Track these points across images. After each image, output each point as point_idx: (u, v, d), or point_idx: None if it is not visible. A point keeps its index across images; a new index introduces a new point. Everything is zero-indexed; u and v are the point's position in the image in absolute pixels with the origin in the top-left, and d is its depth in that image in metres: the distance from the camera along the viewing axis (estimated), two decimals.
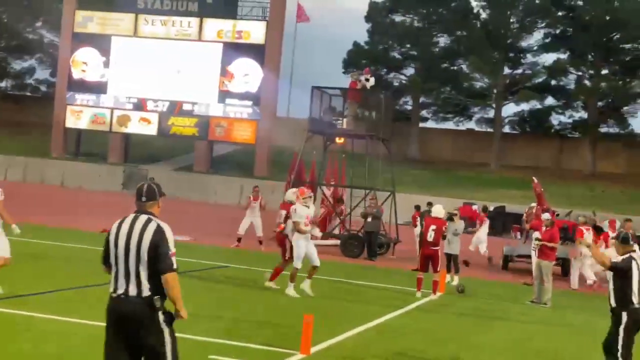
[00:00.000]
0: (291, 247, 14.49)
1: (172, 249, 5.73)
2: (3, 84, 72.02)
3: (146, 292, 5.66)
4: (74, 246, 18.53)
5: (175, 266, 5.71)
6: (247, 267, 17.87)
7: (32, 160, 53.04)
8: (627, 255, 8.57)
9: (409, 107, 66.23)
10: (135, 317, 5.64)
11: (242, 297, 13.69)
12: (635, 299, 8.45)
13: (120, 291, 5.71)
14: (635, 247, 9.09)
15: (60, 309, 10.80)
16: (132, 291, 5.67)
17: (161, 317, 5.68)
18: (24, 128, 61.41)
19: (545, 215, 17.53)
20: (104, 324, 5.83)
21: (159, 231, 5.72)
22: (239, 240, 22.17)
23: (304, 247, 14.17)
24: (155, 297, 5.66)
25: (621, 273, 8.48)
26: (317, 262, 14.25)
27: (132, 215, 5.85)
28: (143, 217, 5.80)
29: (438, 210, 16.63)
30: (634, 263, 8.47)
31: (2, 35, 67.36)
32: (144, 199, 5.90)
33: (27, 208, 24.83)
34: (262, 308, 12.50)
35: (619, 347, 8.45)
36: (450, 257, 18.41)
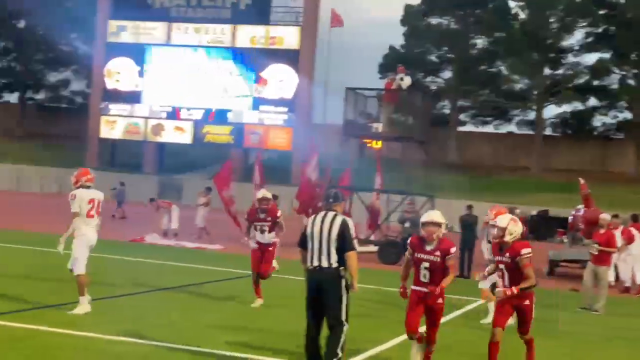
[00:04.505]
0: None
1: (354, 235, 7.97)
2: (39, 97, 72.44)
3: (334, 264, 7.93)
4: (104, 256, 17.87)
5: (356, 247, 8.00)
6: (288, 276, 17.01)
7: (67, 171, 52.56)
8: None
9: (447, 111, 65.09)
10: (326, 282, 7.93)
11: (270, 307, 12.81)
12: None
13: (316, 264, 7.99)
14: None
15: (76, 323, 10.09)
16: (324, 264, 7.94)
17: (343, 282, 7.94)
18: (59, 140, 61.45)
19: (604, 216, 16.18)
20: None
21: (344, 222, 7.99)
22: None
23: None
24: (341, 267, 7.93)
25: None
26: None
27: (322, 213, 8.14)
28: (331, 213, 8.10)
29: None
30: None
31: (38, 48, 67.59)
32: (331, 200, 8.22)
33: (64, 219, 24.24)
34: (290, 319, 11.58)
35: None
36: None
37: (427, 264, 8.51)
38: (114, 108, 54.61)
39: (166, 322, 10.70)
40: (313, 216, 8.23)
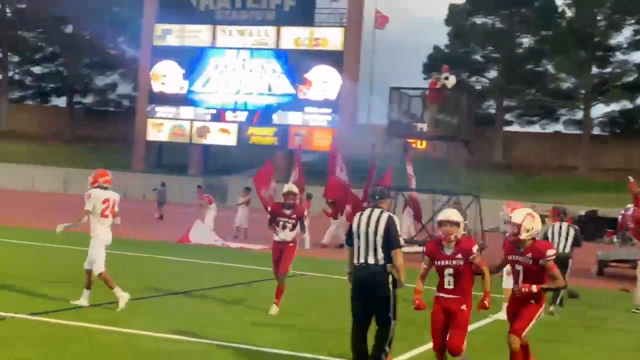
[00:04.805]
0: None
1: (400, 232, 7.94)
2: (87, 100, 73.52)
3: (381, 261, 7.83)
4: (150, 256, 18.05)
5: (402, 244, 7.89)
6: (323, 274, 17.01)
7: (114, 174, 52.81)
8: None
9: (492, 111, 64.52)
10: (372, 279, 7.87)
11: (314, 305, 12.81)
12: None
13: (362, 261, 7.91)
14: None
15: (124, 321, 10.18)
16: (371, 260, 7.86)
17: (390, 278, 7.87)
18: (107, 143, 62.27)
19: None
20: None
21: (391, 219, 7.92)
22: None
23: None
24: (388, 264, 7.83)
25: None
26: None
27: (369, 210, 8.04)
28: (377, 210, 8.01)
29: None
30: None
31: (85, 53, 68.66)
32: (377, 197, 8.15)
33: None
34: (333, 317, 11.54)
35: None
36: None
37: (450, 270, 7.67)
38: (160, 111, 55.20)
39: (213, 321, 10.73)
40: (359, 213, 8.12)
